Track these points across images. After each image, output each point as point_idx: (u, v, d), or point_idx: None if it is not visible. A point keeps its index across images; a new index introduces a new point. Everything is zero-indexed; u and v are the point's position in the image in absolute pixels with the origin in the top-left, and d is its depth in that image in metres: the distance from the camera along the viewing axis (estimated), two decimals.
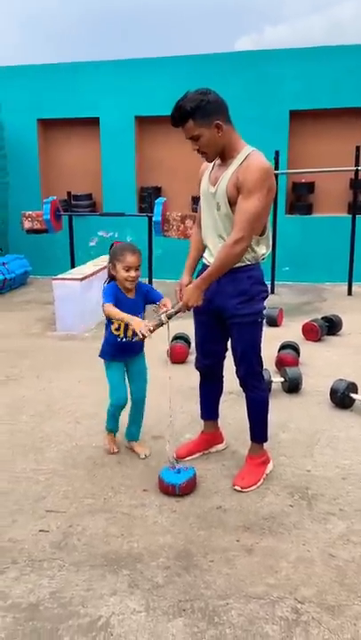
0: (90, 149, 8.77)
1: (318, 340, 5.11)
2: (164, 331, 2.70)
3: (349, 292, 7.12)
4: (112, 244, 2.91)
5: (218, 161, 2.60)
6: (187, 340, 4.78)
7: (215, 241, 2.63)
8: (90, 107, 8.40)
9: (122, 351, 2.93)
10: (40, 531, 2.42)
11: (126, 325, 2.77)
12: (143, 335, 2.54)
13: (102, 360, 3.01)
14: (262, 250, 2.62)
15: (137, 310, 2.82)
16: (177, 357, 4.46)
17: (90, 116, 8.45)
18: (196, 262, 2.88)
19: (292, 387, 3.88)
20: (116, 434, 3.16)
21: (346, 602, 2.00)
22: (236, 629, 1.88)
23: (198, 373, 3.01)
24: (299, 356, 4.46)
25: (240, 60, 7.85)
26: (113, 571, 2.16)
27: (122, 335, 2.86)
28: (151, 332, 2.55)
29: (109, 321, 2.87)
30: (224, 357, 2.93)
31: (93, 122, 8.51)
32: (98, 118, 8.44)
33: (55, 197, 6.86)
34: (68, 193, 7.59)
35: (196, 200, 8.45)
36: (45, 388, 4.08)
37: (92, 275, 5.87)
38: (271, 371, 3.78)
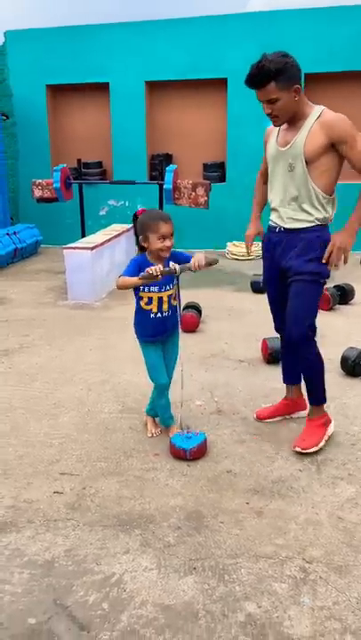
0: (100, 116, 8.65)
1: (330, 308, 5.09)
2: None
3: None
4: (135, 215, 2.68)
5: (285, 125, 2.58)
6: (198, 309, 4.78)
7: (286, 202, 2.62)
8: (99, 71, 8.25)
9: (156, 329, 2.72)
10: (54, 492, 2.48)
11: (160, 299, 2.65)
12: (153, 274, 2.43)
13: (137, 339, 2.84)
14: (331, 210, 2.62)
15: (169, 280, 2.65)
16: (187, 326, 4.48)
17: (99, 81, 8.30)
18: (262, 207, 2.90)
19: None
20: (173, 422, 2.93)
21: (353, 562, 2.04)
22: (246, 587, 1.93)
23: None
24: None
25: (253, 20, 7.63)
26: (125, 530, 2.22)
27: (155, 310, 2.67)
28: (160, 273, 2.44)
29: (138, 297, 2.68)
30: None
31: (103, 87, 8.37)
32: (108, 83, 8.30)
33: (65, 165, 6.80)
34: (78, 161, 7.52)
35: (207, 167, 8.35)
36: (57, 356, 4.12)
37: (102, 244, 5.86)
38: None
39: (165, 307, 2.69)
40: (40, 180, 6.59)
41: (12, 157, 8.77)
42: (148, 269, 2.44)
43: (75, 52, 8.23)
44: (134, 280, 2.53)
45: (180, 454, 2.70)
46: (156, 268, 2.43)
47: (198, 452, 2.71)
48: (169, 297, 2.69)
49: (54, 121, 8.83)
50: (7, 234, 7.47)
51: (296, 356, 2.76)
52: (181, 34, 7.86)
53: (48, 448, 2.85)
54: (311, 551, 2.10)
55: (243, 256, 7.50)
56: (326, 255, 2.58)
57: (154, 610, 1.84)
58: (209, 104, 8.29)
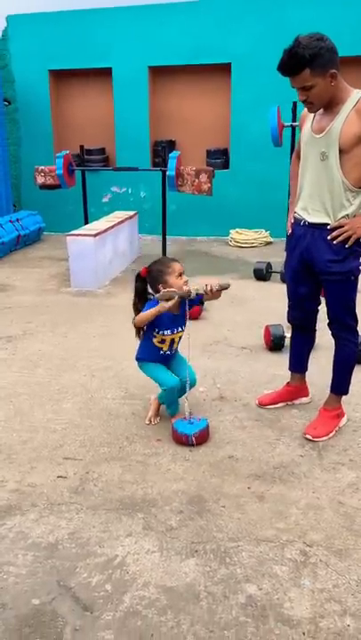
0: (103, 101, 8.58)
1: None
2: None
3: None
4: (139, 276, 2.76)
5: (321, 110, 2.46)
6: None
7: (313, 194, 2.54)
8: (102, 56, 8.17)
9: (161, 361, 2.89)
10: (58, 477, 2.51)
11: (172, 340, 2.82)
12: (169, 294, 2.59)
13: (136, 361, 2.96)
14: (359, 203, 2.51)
15: (181, 322, 2.82)
16: (190, 314, 4.45)
17: (102, 66, 8.23)
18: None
19: None
20: (178, 410, 2.96)
21: (353, 546, 2.06)
22: (247, 569, 1.96)
23: (291, 326, 3.03)
24: None
25: (258, 4, 7.52)
26: (128, 514, 2.25)
27: (165, 349, 2.84)
28: (177, 295, 2.60)
29: (152, 335, 2.80)
30: (316, 311, 2.91)
31: (106, 72, 8.29)
32: (110, 69, 8.22)
33: (68, 151, 6.76)
34: (81, 147, 7.48)
35: (210, 154, 8.29)
36: (61, 343, 4.14)
37: (105, 231, 5.85)
38: (285, 326, 3.79)
39: (175, 345, 2.86)
40: (43, 167, 6.56)
41: (14, 144, 8.73)
42: (163, 291, 2.59)
43: (77, 37, 8.14)
44: (152, 311, 2.64)
45: (182, 440, 2.72)
46: (171, 290, 2.59)
47: (201, 438, 2.73)
48: (180, 338, 2.85)
49: (57, 107, 8.77)
50: (10, 221, 7.46)
51: (336, 345, 2.80)
52: (185, 18, 7.76)
53: (51, 433, 2.88)
54: (312, 535, 2.12)
55: (246, 243, 7.47)
56: (335, 233, 2.51)
57: (156, 591, 1.87)
58: (213, 90, 8.21)
